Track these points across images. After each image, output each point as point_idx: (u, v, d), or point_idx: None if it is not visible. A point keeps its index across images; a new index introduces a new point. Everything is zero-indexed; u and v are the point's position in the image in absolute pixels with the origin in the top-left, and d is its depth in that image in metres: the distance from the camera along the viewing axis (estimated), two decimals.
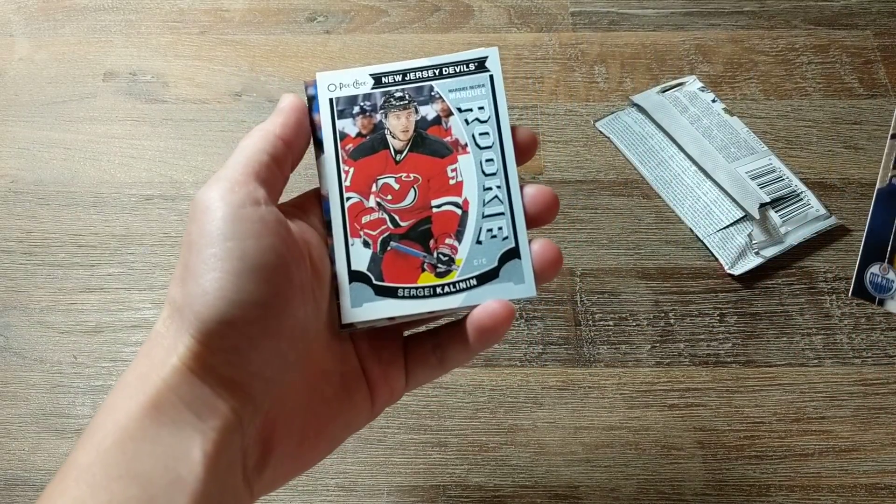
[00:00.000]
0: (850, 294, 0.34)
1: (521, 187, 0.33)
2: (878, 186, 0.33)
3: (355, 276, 0.32)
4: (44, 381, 0.47)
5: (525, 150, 0.33)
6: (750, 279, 0.50)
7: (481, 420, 0.45)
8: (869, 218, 0.34)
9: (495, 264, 0.32)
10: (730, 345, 0.47)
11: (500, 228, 0.32)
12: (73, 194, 0.54)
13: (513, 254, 0.32)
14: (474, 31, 0.61)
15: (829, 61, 0.59)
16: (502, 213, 0.32)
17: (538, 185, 0.33)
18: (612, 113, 0.57)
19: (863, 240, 0.34)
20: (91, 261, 0.51)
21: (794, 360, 0.47)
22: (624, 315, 0.49)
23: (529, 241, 0.32)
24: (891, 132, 0.34)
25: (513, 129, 0.33)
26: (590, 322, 0.48)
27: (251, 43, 0.61)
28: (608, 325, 0.48)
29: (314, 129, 0.33)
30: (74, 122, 0.57)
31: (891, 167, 0.33)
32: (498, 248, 0.32)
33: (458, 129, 0.33)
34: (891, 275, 0.34)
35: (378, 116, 0.33)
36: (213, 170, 0.55)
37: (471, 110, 0.33)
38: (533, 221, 0.33)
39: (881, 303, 0.34)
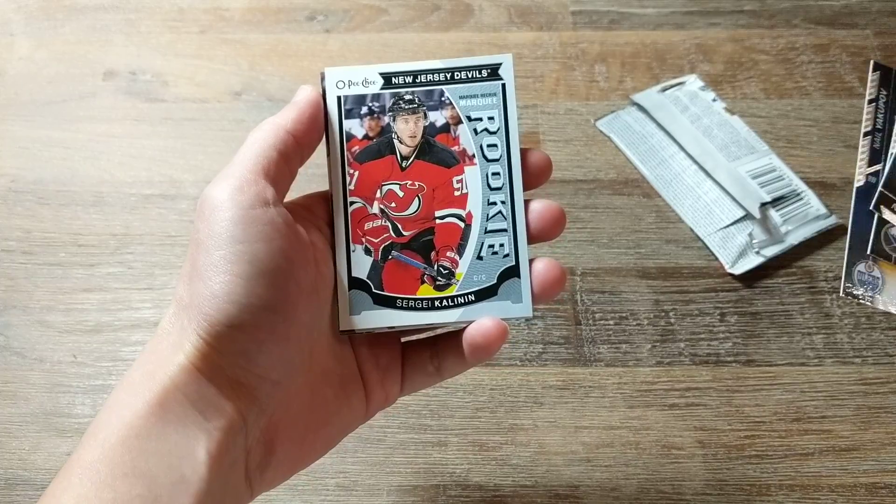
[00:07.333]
0: (841, 293, 0.34)
1: (528, 202, 0.32)
2: (855, 185, 0.33)
3: (355, 283, 0.32)
4: (44, 380, 0.46)
5: (539, 174, 0.33)
6: (750, 278, 0.50)
7: (481, 419, 0.45)
8: (851, 218, 0.34)
9: (494, 281, 0.32)
10: (730, 344, 0.47)
11: (501, 245, 0.32)
12: (73, 193, 0.54)
13: (512, 272, 0.32)
14: (474, 29, 0.61)
15: (829, 60, 0.59)
16: (505, 230, 0.32)
17: (545, 201, 0.32)
18: (613, 112, 0.57)
19: (847, 240, 0.34)
20: (91, 260, 0.51)
21: (794, 360, 0.47)
22: (624, 314, 0.49)
23: (533, 260, 0.32)
24: (862, 130, 0.34)
25: (527, 150, 0.33)
26: (590, 321, 0.48)
27: (251, 42, 0.61)
28: (608, 325, 0.48)
29: (326, 126, 0.33)
30: (74, 121, 0.57)
31: (866, 166, 0.33)
32: (498, 265, 0.32)
33: (466, 138, 0.33)
34: (876, 272, 0.34)
35: (386, 119, 0.32)
36: (214, 169, 0.55)
37: (480, 119, 0.33)
38: (539, 236, 0.32)
39: (868, 301, 0.34)
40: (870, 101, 0.34)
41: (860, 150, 0.33)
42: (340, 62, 0.60)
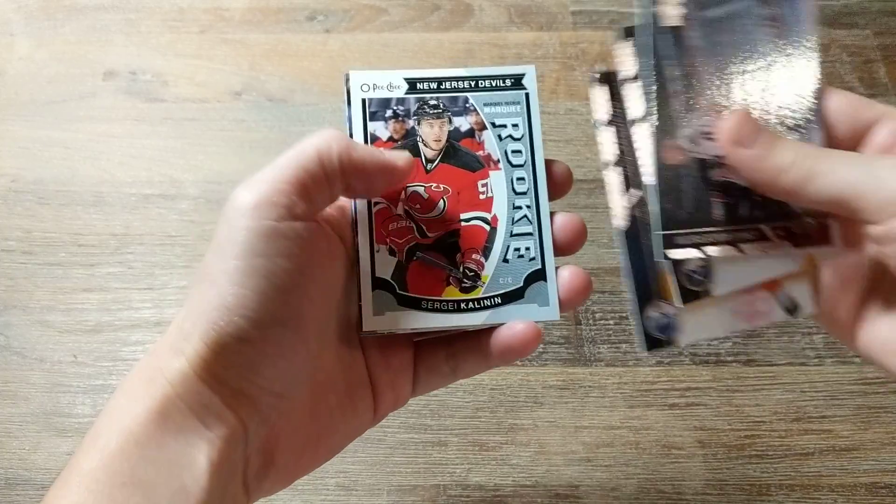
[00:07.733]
0: (646, 352, 0.30)
1: (552, 214, 0.32)
2: (620, 227, 0.29)
3: (379, 283, 0.31)
4: (44, 380, 0.46)
5: (561, 186, 0.33)
6: None
7: (481, 419, 0.45)
8: (627, 264, 0.29)
9: (521, 284, 0.32)
10: (730, 344, 0.47)
11: (527, 248, 0.32)
12: (73, 193, 0.54)
13: (539, 275, 0.32)
14: (474, 29, 0.61)
15: (829, 60, 0.59)
16: (530, 234, 0.32)
17: (568, 214, 0.32)
18: None
19: (632, 291, 0.29)
20: (91, 260, 0.51)
21: (794, 359, 0.47)
22: (624, 314, 0.48)
23: (558, 267, 0.32)
24: (608, 160, 0.30)
25: (550, 161, 0.33)
26: (590, 321, 0.48)
27: (251, 42, 0.61)
28: (609, 325, 0.48)
29: (350, 127, 0.32)
30: (74, 121, 0.57)
31: (623, 201, 0.29)
32: (524, 269, 0.32)
33: (490, 143, 0.33)
34: (667, 308, 0.29)
35: (410, 122, 0.33)
36: (214, 169, 0.55)
37: (504, 126, 0.33)
38: (561, 250, 0.32)
39: (673, 342, 0.29)
40: (608, 124, 0.30)
41: (610, 184, 0.29)
42: (341, 62, 0.60)
